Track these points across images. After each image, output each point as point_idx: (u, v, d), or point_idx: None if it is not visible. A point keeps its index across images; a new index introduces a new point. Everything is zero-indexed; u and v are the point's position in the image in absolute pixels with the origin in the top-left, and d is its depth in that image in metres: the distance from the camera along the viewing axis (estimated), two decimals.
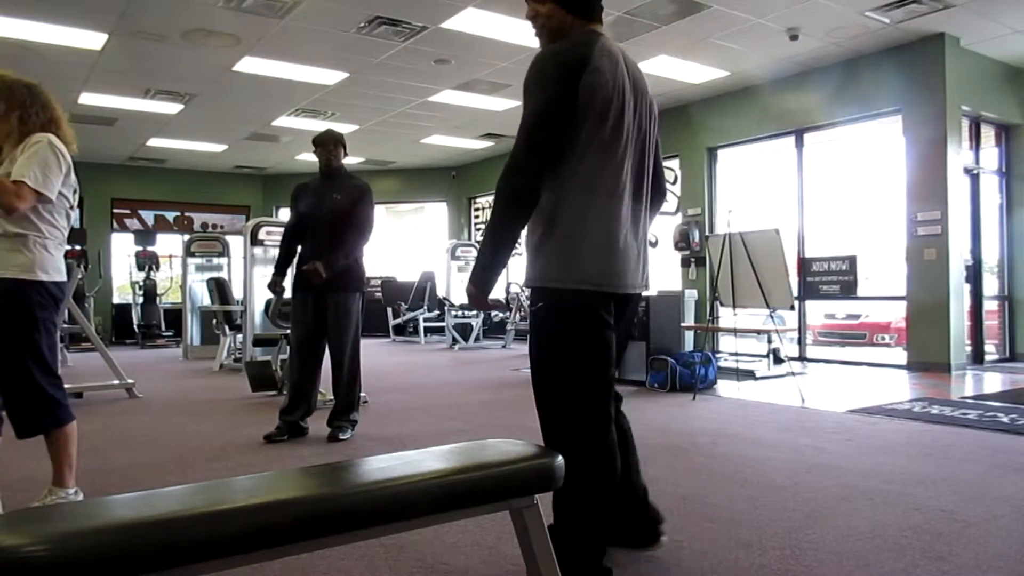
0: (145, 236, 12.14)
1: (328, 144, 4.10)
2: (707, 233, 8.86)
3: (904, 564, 2.12)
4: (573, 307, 1.88)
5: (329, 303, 4.02)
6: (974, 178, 7.77)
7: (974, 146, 7.83)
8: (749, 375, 6.65)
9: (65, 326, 8.03)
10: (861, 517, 2.56)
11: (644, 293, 2.12)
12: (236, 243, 9.85)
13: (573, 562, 1.80)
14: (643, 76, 2.05)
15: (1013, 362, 7.84)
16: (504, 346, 10.75)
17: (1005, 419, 4.39)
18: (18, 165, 2.49)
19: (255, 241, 7.72)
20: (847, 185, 9.12)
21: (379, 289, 13.07)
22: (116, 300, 12.98)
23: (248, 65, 7.58)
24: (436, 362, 8.78)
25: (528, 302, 2.01)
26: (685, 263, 9.41)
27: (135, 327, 11.95)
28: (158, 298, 12.03)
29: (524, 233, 1.98)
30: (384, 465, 1.36)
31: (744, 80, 8.37)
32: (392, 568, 2.14)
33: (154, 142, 11.15)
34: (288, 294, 4.24)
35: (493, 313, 11.74)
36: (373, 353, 10.23)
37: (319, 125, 10.16)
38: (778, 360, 7.07)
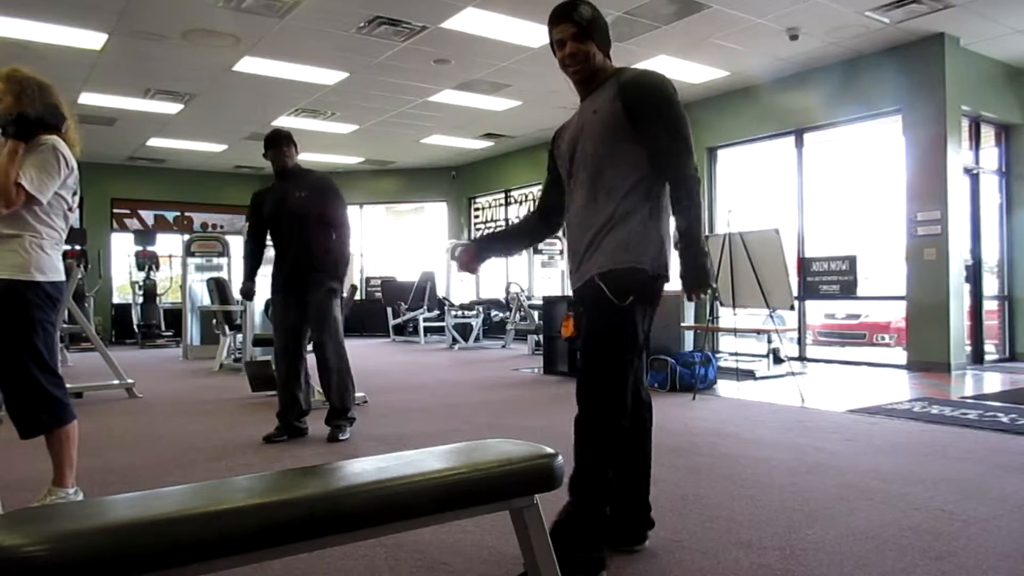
0: (145, 236, 12.14)
1: (281, 144, 4.01)
2: (707, 233, 8.84)
3: (904, 564, 2.12)
4: (658, 293, 2.23)
5: (310, 301, 3.96)
6: (974, 178, 7.77)
7: (974, 146, 7.83)
8: (749, 375, 6.64)
9: (65, 326, 8.03)
10: (861, 517, 2.56)
11: None
12: (236, 243, 9.85)
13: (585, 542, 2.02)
14: None
15: (1013, 362, 7.84)
16: (504, 346, 10.75)
17: (1005, 419, 4.39)
18: (25, 164, 2.49)
19: None
20: (847, 185, 9.12)
21: (379, 289, 13.08)
22: (116, 300, 12.99)
23: (248, 65, 7.58)
24: (436, 362, 8.78)
25: (605, 284, 2.11)
26: None
27: (135, 327, 11.95)
28: (158, 298, 12.03)
29: (602, 216, 2.15)
30: (384, 465, 1.36)
31: (744, 80, 8.37)
32: (392, 568, 2.14)
33: (154, 142, 11.15)
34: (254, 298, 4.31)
35: (493, 313, 11.75)
36: (373, 353, 10.23)
37: (319, 125, 10.18)
38: (778, 360, 7.07)
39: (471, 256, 2.62)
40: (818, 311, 9.21)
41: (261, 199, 4.13)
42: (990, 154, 8.07)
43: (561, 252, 11.18)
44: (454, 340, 10.86)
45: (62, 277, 2.69)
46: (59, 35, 6.61)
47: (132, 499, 1.21)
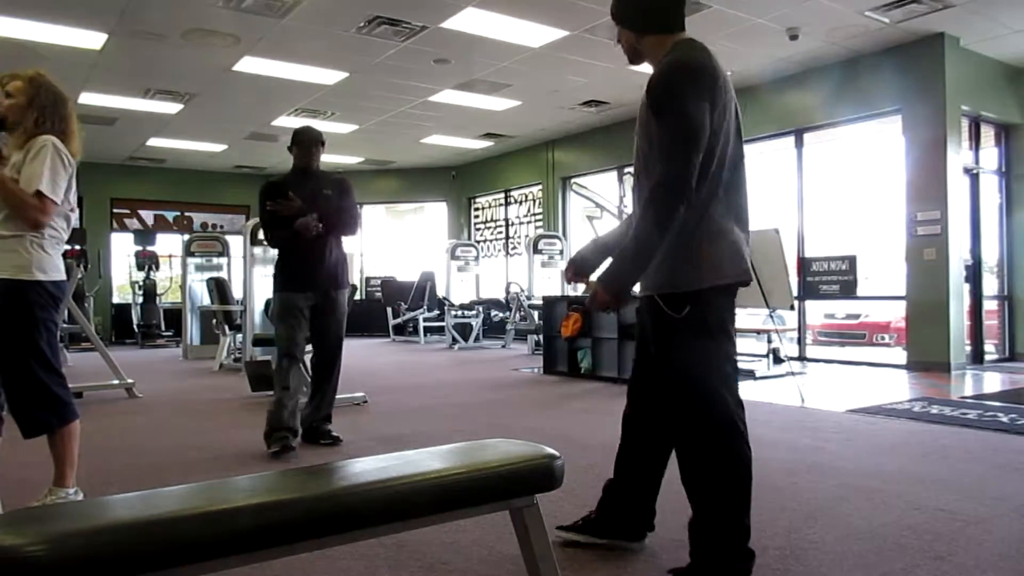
0: (145, 236, 12.14)
1: (313, 145, 3.92)
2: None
3: (904, 564, 2.12)
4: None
5: (328, 301, 3.91)
6: (974, 178, 7.77)
7: (974, 146, 7.82)
8: (749, 375, 6.64)
9: (65, 326, 8.04)
10: (861, 517, 2.56)
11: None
12: (236, 243, 9.85)
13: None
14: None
15: (1013, 362, 7.84)
16: (504, 346, 10.75)
17: (1005, 419, 4.39)
18: (30, 171, 2.50)
19: (255, 241, 7.71)
20: (847, 185, 9.13)
21: (379, 289, 13.08)
22: (116, 300, 12.99)
23: (248, 65, 7.58)
24: (436, 362, 8.78)
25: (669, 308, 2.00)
26: None
27: (135, 327, 11.95)
28: (158, 298, 12.03)
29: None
30: (384, 465, 1.36)
31: (744, 80, 8.37)
32: (392, 568, 2.14)
33: (154, 142, 11.15)
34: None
35: (493, 313, 11.75)
36: (373, 353, 10.23)
37: (319, 125, 10.16)
38: (778, 360, 7.07)
39: (582, 269, 2.30)
40: (818, 311, 9.22)
41: (276, 190, 3.86)
42: (990, 154, 8.07)
43: (561, 252, 11.17)
44: (454, 340, 10.86)
45: (63, 277, 2.70)
46: (59, 35, 6.60)
47: (132, 499, 1.21)
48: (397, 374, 7.44)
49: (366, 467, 1.37)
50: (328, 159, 12.06)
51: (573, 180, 11.73)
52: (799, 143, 8.40)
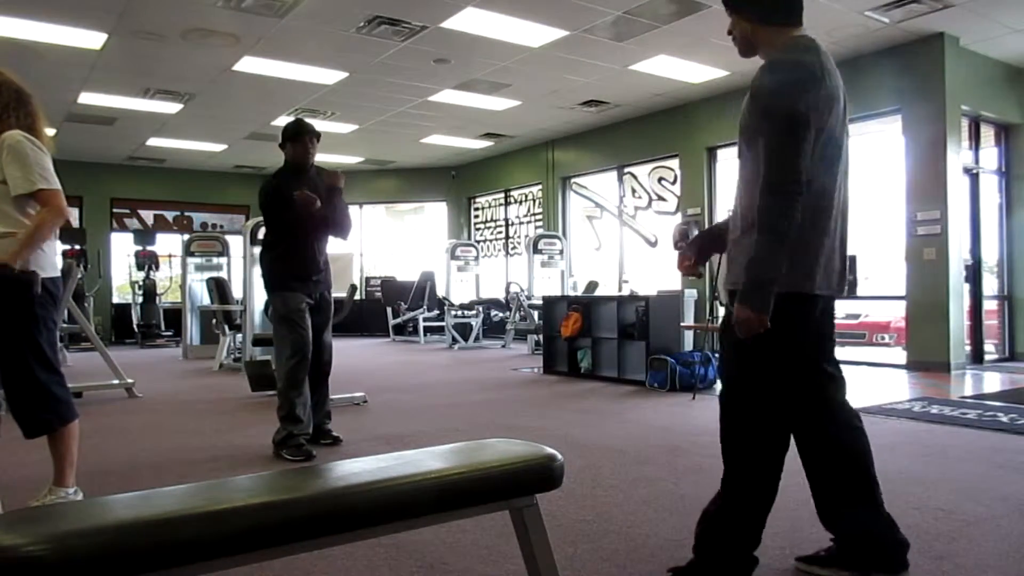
0: (144, 236, 12.14)
1: (307, 139, 3.82)
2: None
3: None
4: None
5: (323, 300, 3.90)
6: (973, 178, 7.77)
7: (974, 146, 7.82)
8: None
9: (65, 326, 8.03)
10: None
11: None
12: (236, 243, 9.86)
13: None
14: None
15: (1012, 362, 7.84)
16: (504, 346, 10.75)
17: (1004, 419, 4.39)
18: (15, 173, 2.48)
19: (255, 241, 7.71)
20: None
21: (379, 289, 13.08)
22: (116, 300, 12.98)
23: (248, 65, 7.58)
24: (436, 362, 8.78)
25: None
26: None
27: (135, 327, 11.95)
28: (158, 298, 12.03)
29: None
30: (384, 465, 1.36)
31: (744, 80, 8.35)
32: (392, 568, 2.14)
33: (153, 142, 11.15)
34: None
35: (493, 312, 11.75)
36: (373, 353, 10.23)
37: (319, 125, 10.12)
38: None
39: (695, 257, 2.20)
40: None
41: (279, 192, 3.78)
42: (990, 154, 8.07)
43: (561, 252, 11.17)
44: (454, 340, 10.86)
45: (59, 273, 2.70)
46: (59, 35, 6.60)
47: (132, 499, 1.21)
48: (397, 374, 7.44)
49: (366, 467, 1.37)
50: (328, 159, 12.07)
51: (573, 180, 11.73)
52: None
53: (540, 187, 12.13)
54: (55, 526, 1.01)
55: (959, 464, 3.34)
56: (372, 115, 9.82)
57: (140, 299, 11.94)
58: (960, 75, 7.12)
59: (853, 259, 7.80)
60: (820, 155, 1.89)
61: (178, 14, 6.25)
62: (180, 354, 9.73)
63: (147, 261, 11.71)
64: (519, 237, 12.74)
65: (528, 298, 10.20)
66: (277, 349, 3.83)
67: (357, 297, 13.39)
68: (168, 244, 12.94)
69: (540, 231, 11.74)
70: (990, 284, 8.04)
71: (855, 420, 2.07)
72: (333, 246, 4.07)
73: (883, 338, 10.03)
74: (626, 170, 10.70)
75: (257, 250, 7.70)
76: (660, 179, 10.19)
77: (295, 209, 3.68)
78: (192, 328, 9.67)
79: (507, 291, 10.85)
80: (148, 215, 13.35)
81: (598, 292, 9.90)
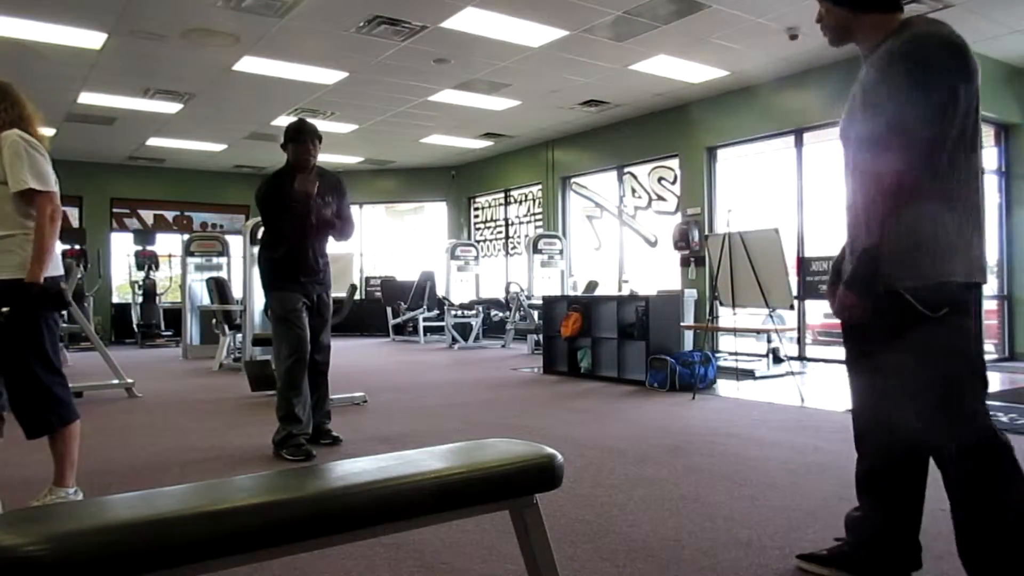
0: (144, 235, 12.15)
1: (308, 140, 3.80)
2: (707, 232, 8.86)
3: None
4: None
5: (321, 300, 3.89)
6: None
7: None
8: (748, 375, 6.65)
9: (65, 326, 8.04)
10: None
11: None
12: (235, 243, 9.85)
13: None
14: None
15: (1012, 361, 7.84)
16: (504, 346, 10.75)
17: (1004, 419, 4.39)
18: (9, 173, 2.48)
19: (254, 241, 7.71)
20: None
21: (379, 289, 13.08)
22: (115, 300, 12.98)
23: (247, 65, 7.58)
24: (436, 362, 8.78)
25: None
26: (684, 262, 9.42)
27: (135, 327, 11.95)
28: (157, 298, 12.03)
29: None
30: (384, 465, 1.36)
31: (744, 80, 8.37)
32: (392, 568, 2.15)
33: (153, 141, 11.15)
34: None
35: (493, 312, 11.75)
36: (373, 353, 10.23)
37: (319, 125, 10.14)
38: (777, 360, 7.07)
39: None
40: (818, 311, 9.19)
41: (274, 192, 3.79)
42: (989, 154, 8.07)
43: (560, 252, 11.17)
44: (454, 340, 10.87)
45: (61, 272, 2.70)
46: (58, 35, 6.60)
47: (132, 499, 1.21)
48: (397, 374, 7.44)
49: (366, 467, 1.37)
50: (328, 159, 12.08)
51: (573, 180, 11.74)
52: (799, 143, 8.40)
53: (540, 187, 12.13)
54: (55, 526, 1.01)
55: None
56: (372, 115, 9.82)
57: (140, 299, 11.94)
58: None
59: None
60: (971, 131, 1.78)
61: (178, 14, 6.25)
62: (180, 354, 9.73)
63: (147, 261, 11.72)
64: (519, 237, 12.74)
65: (528, 298, 10.20)
66: (275, 349, 3.83)
67: (357, 297, 13.40)
68: (168, 244, 12.94)
69: (540, 231, 11.75)
70: (990, 284, 8.03)
71: None
72: (333, 246, 4.07)
73: None
74: (626, 170, 10.70)
75: (257, 250, 7.75)
76: (660, 179, 10.19)
77: (294, 209, 3.68)
78: (192, 328, 9.67)
79: (507, 291, 10.85)
80: (148, 215, 13.35)
81: (598, 292, 9.90)
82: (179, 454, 3.73)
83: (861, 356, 2.00)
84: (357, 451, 3.74)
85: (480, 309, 11.40)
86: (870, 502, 2.00)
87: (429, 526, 1.44)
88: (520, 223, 12.78)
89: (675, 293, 8.55)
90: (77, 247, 8.26)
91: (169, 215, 13.56)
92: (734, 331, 6.92)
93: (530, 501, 1.42)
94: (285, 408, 3.67)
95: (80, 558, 0.97)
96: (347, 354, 9.40)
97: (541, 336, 8.09)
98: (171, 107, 9.19)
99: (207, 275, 9.38)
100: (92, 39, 6.76)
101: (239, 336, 7.80)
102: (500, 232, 13.26)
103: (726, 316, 7.05)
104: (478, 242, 13.38)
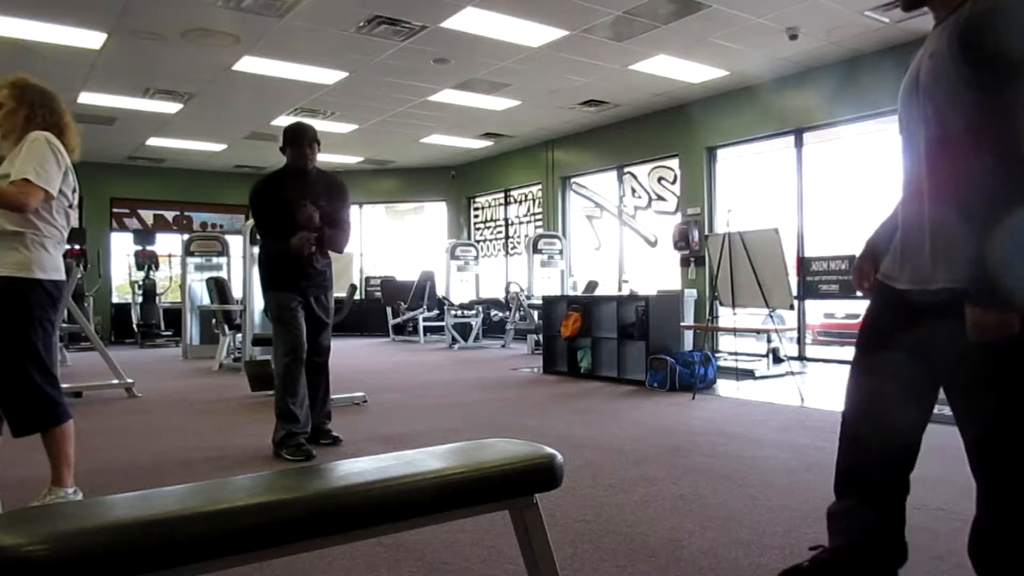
0: (144, 235, 12.14)
1: (305, 144, 3.80)
2: (706, 232, 8.86)
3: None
4: None
5: (320, 302, 3.88)
6: None
7: None
8: (748, 374, 6.65)
9: (65, 325, 8.03)
10: None
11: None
12: (235, 243, 9.85)
13: None
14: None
15: None
16: (503, 346, 10.75)
17: None
18: (18, 163, 2.50)
19: (254, 241, 7.72)
20: (847, 184, 9.12)
21: (378, 289, 13.08)
22: (115, 299, 12.98)
23: (247, 64, 7.58)
24: (435, 362, 8.78)
25: None
26: (684, 262, 9.42)
27: (134, 326, 11.95)
28: (157, 297, 12.03)
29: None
30: (384, 464, 1.36)
31: (744, 80, 8.37)
32: (392, 568, 2.15)
33: (153, 141, 11.15)
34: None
35: (493, 312, 11.74)
36: (373, 353, 10.23)
37: (319, 125, 10.12)
38: (777, 359, 7.07)
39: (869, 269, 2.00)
40: (817, 311, 9.21)
41: (267, 192, 3.82)
42: None
43: (560, 252, 11.18)
44: (454, 340, 10.87)
45: (63, 276, 2.70)
46: (58, 35, 6.60)
47: (132, 499, 1.21)
48: (397, 374, 7.44)
49: (366, 467, 1.37)
50: (328, 159, 12.08)
51: (573, 180, 11.74)
52: (799, 143, 8.40)
53: (540, 187, 12.13)
54: (55, 526, 1.01)
55: (959, 464, 3.32)
56: (372, 115, 9.82)
57: (140, 299, 11.94)
58: None
59: (853, 259, 7.81)
60: None
61: (178, 14, 6.25)
62: (180, 354, 9.73)
63: (147, 261, 11.71)
64: (519, 237, 12.74)
65: (528, 298, 10.20)
66: (274, 348, 3.85)
67: (357, 297, 13.41)
68: (168, 244, 12.93)
69: (540, 231, 11.75)
70: None
71: None
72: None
73: None
74: (626, 170, 10.70)
75: (257, 250, 7.75)
76: (660, 179, 10.19)
77: (290, 209, 3.69)
78: (192, 328, 9.67)
79: (507, 291, 10.86)
80: (148, 215, 13.35)
81: (598, 292, 9.90)
82: (179, 454, 3.73)
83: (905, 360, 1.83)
84: (357, 451, 3.74)
85: (480, 309, 11.40)
86: (858, 503, 1.92)
87: (429, 526, 1.44)
88: (520, 223, 12.79)
89: (675, 293, 8.55)
90: (77, 247, 8.25)
91: (169, 215, 13.56)
92: (734, 331, 6.92)
93: (530, 501, 1.42)
94: (283, 407, 3.69)
95: (80, 558, 0.97)
96: (347, 354, 9.40)
97: (541, 336, 8.10)
98: (171, 107, 9.18)
99: (207, 275, 9.38)
100: (92, 39, 6.76)
101: (239, 336, 7.80)
102: (500, 232, 13.26)
103: (726, 316, 7.05)
104: (478, 242, 13.38)
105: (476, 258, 12.46)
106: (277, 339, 3.77)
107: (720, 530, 2.44)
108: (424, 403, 5.37)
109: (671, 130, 9.68)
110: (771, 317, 6.90)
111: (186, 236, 11.13)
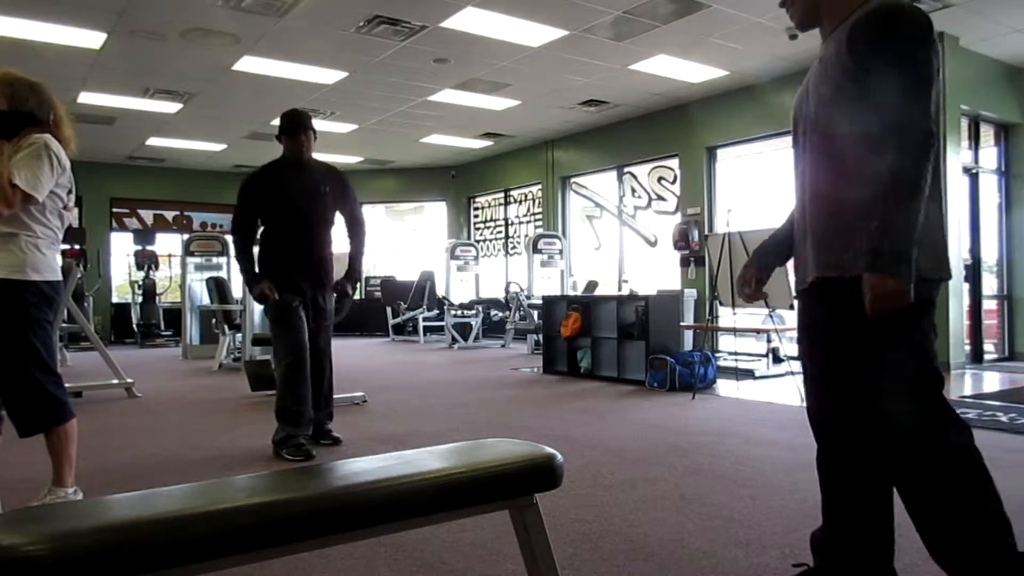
0: (144, 235, 12.14)
1: (301, 131, 3.77)
2: (706, 232, 8.86)
3: (904, 564, 2.12)
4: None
5: (320, 303, 3.87)
6: (973, 177, 7.78)
7: (973, 145, 7.83)
8: (748, 374, 6.65)
9: (64, 325, 8.03)
10: None
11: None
12: None
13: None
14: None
15: (1012, 361, 7.84)
16: (503, 346, 10.75)
17: (1004, 418, 4.39)
18: (13, 164, 2.49)
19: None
20: None
21: (378, 288, 13.08)
22: (115, 299, 12.98)
23: (247, 64, 7.58)
24: (435, 362, 8.78)
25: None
26: (684, 262, 9.42)
27: (134, 326, 11.95)
28: (157, 297, 12.03)
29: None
30: (384, 464, 1.36)
31: (743, 79, 8.37)
32: (392, 568, 2.15)
33: (153, 141, 11.15)
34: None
35: (493, 312, 11.74)
36: (373, 353, 10.23)
37: (319, 124, 10.11)
38: (777, 359, 7.07)
39: (759, 279, 2.11)
40: None
41: (260, 183, 3.80)
42: (989, 153, 8.08)
43: (560, 252, 11.18)
44: (453, 340, 10.87)
45: (58, 277, 2.69)
46: (58, 34, 6.60)
47: (132, 499, 1.21)
48: (397, 374, 7.44)
49: (366, 467, 1.37)
50: (328, 159, 12.03)
51: (573, 180, 11.74)
52: None
53: (540, 187, 12.13)
54: (55, 526, 1.01)
55: None
56: (372, 115, 9.82)
57: (140, 299, 11.95)
58: (959, 75, 7.12)
59: None
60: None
61: (178, 14, 6.25)
62: (180, 354, 9.73)
63: (147, 261, 11.71)
64: (519, 237, 12.74)
65: (528, 298, 10.20)
66: (275, 349, 3.83)
67: (357, 297, 13.41)
68: (168, 244, 12.94)
69: (540, 231, 11.75)
70: (989, 284, 8.04)
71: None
72: (336, 245, 4.07)
73: None
74: (626, 170, 10.70)
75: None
76: (660, 179, 10.19)
77: (284, 199, 3.73)
78: (192, 328, 9.67)
79: (507, 291, 10.86)
80: (148, 215, 13.35)
81: (598, 292, 9.90)
82: (179, 454, 3.73)
83: (835, 358, 1.87)
84: (357, 451, 3.74)
85: (480, 309, 11.40)
86: (845, 520, 1.92)
87: (429, 526, 1.44)
88: (520, 223, 12.79)
89: (675, 293, 8.55)
90: (77, 247, 8.24)
91: (169, 215, 13.55)
92: (734, 331, 6.92)
93: (530, 501, 1.42)
94: (283, 408, 3.67)
95: (80, 558, 0.97)
96: (347, 354, 9.40)
97: (541, 336, 8.10)
98: (171, 107, 9.19)
99: (207, 275, 9.38)
100: (92, 39, 6.76)
101: (239, 336, 7.80)
102: (500, 232, 13.26)
103: (726, 316, 7.05)
104: (478, 242, 13.38)
105: (476, 258, 12.46)
106: (277, 340, 3.74)
107: (720, 530, 2.44)
108: (424, 403, 5.37)
109: (671, 130, 9.68)
110: (771, 317, 6.90)
111: (186, 236, 11.14)
